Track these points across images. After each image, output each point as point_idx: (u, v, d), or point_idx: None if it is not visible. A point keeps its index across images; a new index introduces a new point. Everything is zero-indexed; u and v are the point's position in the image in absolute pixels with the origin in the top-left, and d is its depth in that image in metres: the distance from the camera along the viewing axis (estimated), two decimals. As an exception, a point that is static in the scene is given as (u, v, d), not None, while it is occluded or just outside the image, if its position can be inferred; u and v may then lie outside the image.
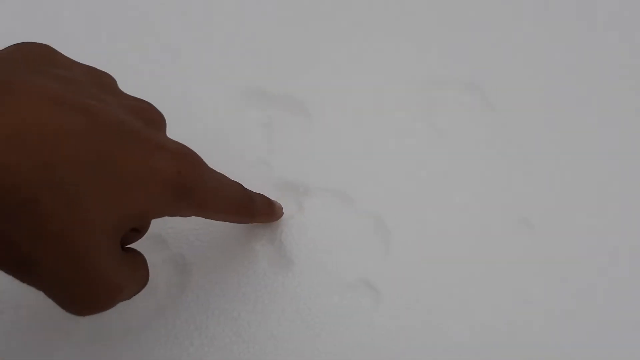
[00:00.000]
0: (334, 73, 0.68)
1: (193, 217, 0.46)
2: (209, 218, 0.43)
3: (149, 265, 0.45)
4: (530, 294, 0.55)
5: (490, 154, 0.62)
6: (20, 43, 0.38)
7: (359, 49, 0.68)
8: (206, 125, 0.69)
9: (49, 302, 0.36)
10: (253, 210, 0.49)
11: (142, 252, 0.45)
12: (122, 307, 0.43)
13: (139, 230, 0.40)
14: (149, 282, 0.46)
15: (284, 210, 0.60)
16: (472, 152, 0.62)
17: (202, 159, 0.41)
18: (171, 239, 0.64)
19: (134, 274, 0.39)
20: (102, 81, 0.41)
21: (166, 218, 0.44)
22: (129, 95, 0.41)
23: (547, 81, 0.64)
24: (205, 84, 0.71)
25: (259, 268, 0.59)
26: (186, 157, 0.39)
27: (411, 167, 0.61)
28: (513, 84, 0.65)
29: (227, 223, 0.57)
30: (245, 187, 0.49)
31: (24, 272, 0.33)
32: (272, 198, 0.59)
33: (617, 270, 0.57)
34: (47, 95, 0.32)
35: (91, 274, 0.34)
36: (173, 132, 0.48)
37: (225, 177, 0.45)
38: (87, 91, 0.36)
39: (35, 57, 0.37)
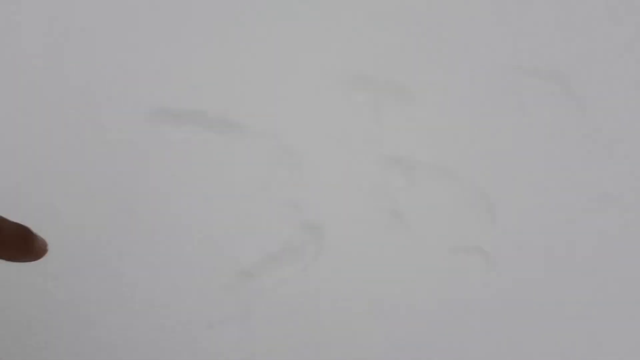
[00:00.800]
0: (432, 60, 0.76)
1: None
2: None
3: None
4: (619, 258, 0.65)
5: (575, 136, 0.71)
6: None
7: (454, 37, 0.76)
8: (311, 108, 0.79)
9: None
10: None
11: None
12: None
13: None
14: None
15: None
16: (558, 134, 0.71)
17: None
18: (306, 205, 0.74)
19: None
20: None
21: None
22: None
23: (628, 69, 0.73)
24: (312, 74, 0.80)
25: (379, 234, 0.69)
26: None
27: (508, 146, 0.71)
28: (596, 72, 0.73)
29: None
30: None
31: None
32: (382, 176, 0.68)
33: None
34: None
35: None
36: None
37: None
38: None
39: None
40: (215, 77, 0.97)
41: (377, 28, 0.80)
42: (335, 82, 0.87)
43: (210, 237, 0.87)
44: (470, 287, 0.65)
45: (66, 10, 0.91)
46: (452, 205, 0.71)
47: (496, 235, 0.69)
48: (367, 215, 0.74)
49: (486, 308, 0.64)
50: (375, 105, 0.81)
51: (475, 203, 0.71)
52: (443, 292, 0.66)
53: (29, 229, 0.44)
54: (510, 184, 0.72)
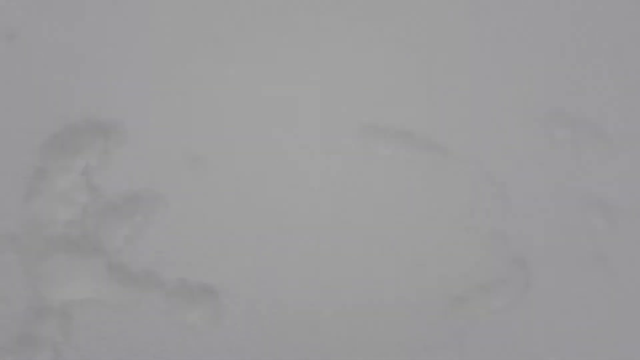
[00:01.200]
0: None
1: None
2: None
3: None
4: None
5: None
6: None
7: None
8: (513, 139, 0.85)
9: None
10: None
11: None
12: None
13: None
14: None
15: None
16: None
17: None
18: (511, 237, 0.81)
19: None
20: None
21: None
22: None
23: None
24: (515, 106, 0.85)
25: (583, 275, 0.74)
26: None
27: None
28: None
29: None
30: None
31: None
32: (584, 215, 0.73)
33: None
34: None
35: None
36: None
37: None
38: None
39: None
40: (424, 100, 1.04)
41: (580, 68, 0.83)
42: (535, 116, 0.90)
43: (418, 259, 0.95)
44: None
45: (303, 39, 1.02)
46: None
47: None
48: (570, 254, 0.79)
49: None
50: (575, 143, 0.84)
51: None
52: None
53: None
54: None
